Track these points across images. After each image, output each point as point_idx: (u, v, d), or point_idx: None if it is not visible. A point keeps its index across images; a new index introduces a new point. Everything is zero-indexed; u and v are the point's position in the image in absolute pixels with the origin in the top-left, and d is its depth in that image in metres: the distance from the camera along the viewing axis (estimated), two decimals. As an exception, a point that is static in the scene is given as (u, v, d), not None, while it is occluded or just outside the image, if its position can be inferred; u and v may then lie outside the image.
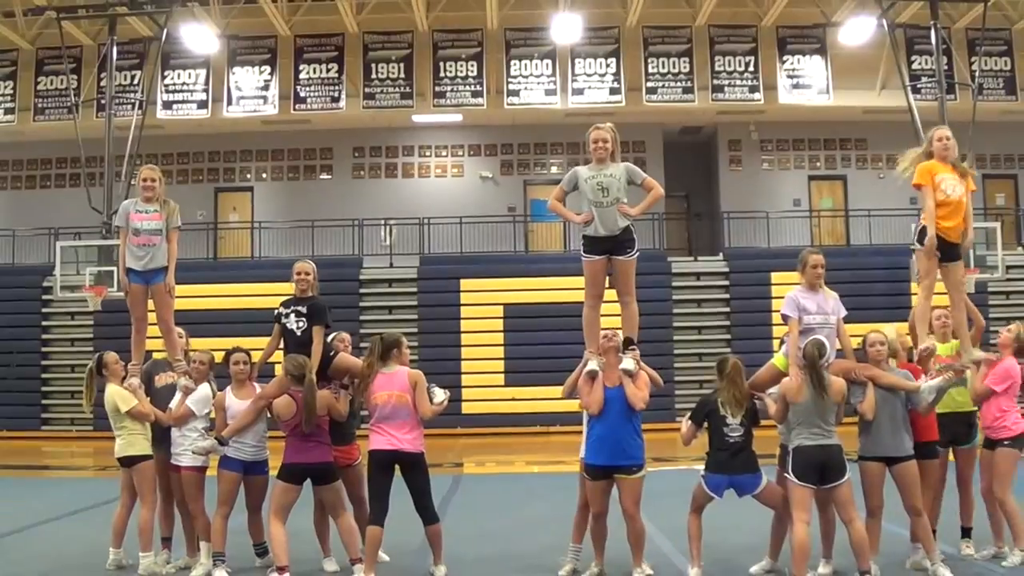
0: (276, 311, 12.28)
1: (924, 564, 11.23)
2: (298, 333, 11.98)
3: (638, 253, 11.71)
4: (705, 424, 11.26)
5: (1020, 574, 11.22)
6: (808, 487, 10.66)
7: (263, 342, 12.43)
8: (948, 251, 11.97)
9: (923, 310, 12.00)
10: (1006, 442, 11.53)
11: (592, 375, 11.35)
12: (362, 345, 14.09)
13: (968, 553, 11.88)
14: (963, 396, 11.91)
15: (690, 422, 11.37)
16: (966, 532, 12.19)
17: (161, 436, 12.18)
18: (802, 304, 11.31)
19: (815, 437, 10.65)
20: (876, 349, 11.29)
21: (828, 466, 10.64)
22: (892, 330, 11.96)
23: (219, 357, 12.46)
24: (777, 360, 11.60)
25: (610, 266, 11.65)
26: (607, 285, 11.83)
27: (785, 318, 11.39)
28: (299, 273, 12.27)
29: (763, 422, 11.32)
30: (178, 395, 12.10)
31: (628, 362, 11.34)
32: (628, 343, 11.58)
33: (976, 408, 11.91)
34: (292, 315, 12.06)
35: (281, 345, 12.21)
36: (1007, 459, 11.53)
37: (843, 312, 11.50)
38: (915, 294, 12.53)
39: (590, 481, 11.41)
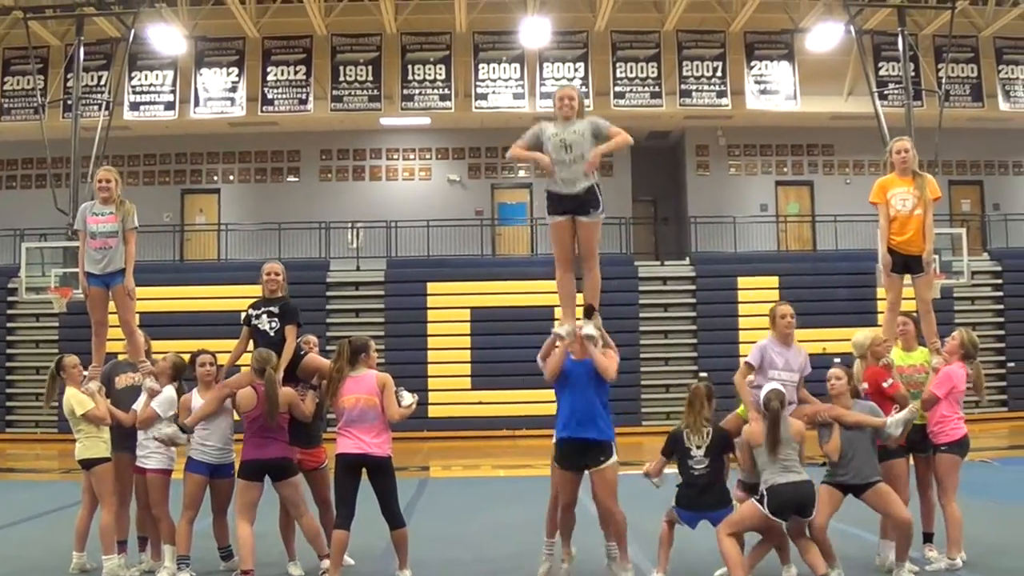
0: (245, 313, 12.21)
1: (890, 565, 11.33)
2: (271, 334, 11.92)
3: (603, 215, 11.29)
4: (675, 456, 11.24)
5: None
6: (781, 522, 10.77)
7: (230, 344, 12.38)
8: (908, 264, 12.09)
9: (887, 324, 12.15)
10: (943, 447, 11.58)
11: (557, 337, 11.22)
12: (328, 348, 14.07)
13: (932, 556, 11.92)
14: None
15: (661, 456, 11.35)
16: (928, 537, 12.24)
17: (124, 438, 12.11)
18: (770, 358, 11.31)
19: (786, 473, 10.65)
20: (832, 384, 11.29)
21: (803, 504, 10.72)
22: (864, 334, 12.02)
23: (185, 359, 12.42)
24: (740, 412, 11.63)
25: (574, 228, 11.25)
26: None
27: (748, 366, 11.40)
28: (268, 274, 12.21)
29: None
30: (143, 397, 12.04)
31: (590, 327, 11.08)
32: (590, 310, 11.30)
33: None
34: (264, 316, 12.00)
35: (251, 347, 12.14)
36: (948, 465, 11.57)
37: (808, 370, 11.53)
38: (882, 299, 12.64)
39: (561, 471, 11.27)
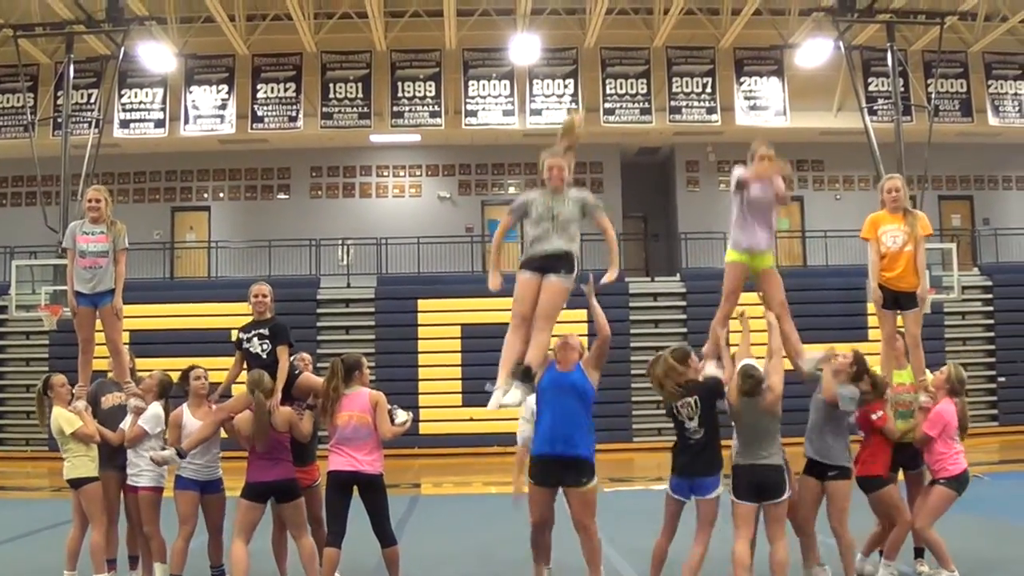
0: (236, 337, 12.17)
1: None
2: (264, 356, 11.88)
3: (572, 284, 10.87)
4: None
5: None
6: (747, 504, 10.75)
7: (219, 362, 12.38)
8: (899, 300, 12.26)
9: (885, 359, 12.30)
10: (941, 481, 11.61)
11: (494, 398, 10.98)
12: (320, 365, 14.02)
13: (923, 571, 11.95)
14: (906, 426, 11.98)
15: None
16: (919, 552, 12.26)
17: (111, 457, 12.09)
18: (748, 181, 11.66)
19: (751, 456, 10.71)
20: (837, 358, 11.49)
21: (764, 487, 10.70)
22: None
23: (175, 377, 12.38)
24: (729, 255, 12.02)
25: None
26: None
27: (739, 184, 11.74)
28: (256, 296, 12.17)
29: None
30: (129, 416, 12.01)
31: (513, 394, 10.76)
32: (527, 372, 10.83)
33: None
34: (255, 339, 11.96)
35: (245, 367, 12.11)
36: (940, 496, 11.62)
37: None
38: (872, 314, 12.66)
39: (534, 486, 10.98)
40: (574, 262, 10.83)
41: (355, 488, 11.21)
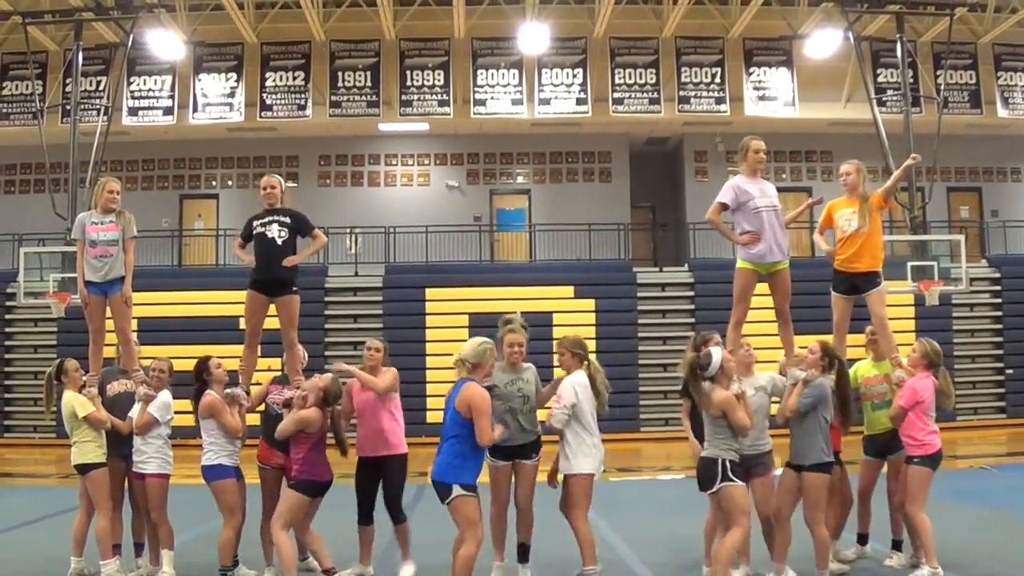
0: (248, 224, 12.61)
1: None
2: (278, 242, 12.12)
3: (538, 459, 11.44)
4: None
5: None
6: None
7: (226, 350, 12.36)
8: (856, 284, 12.34)
9: (836, 343, 12.18)
10: (916, 460, 11.56)
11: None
12: (327, 354, 14.04)
13: (892, 564, 12.05)
14: (884, 415, 12.02)
15: None
16: (896, 544, 12.31)
17: (117, 445, 12.09)
18: (744, 190, 11.71)
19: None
20: (806, 354, 11.43)
21: (698, 478, 10.83)
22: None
23: (180, 365, 12.38)
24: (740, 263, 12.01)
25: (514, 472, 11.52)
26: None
27: (721, 204, 11.85)
28: (265, 188, 12.31)
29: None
30: (138, 404, 11.98)
31: None
32: (525, 551, 11.66)
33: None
34: (274, 224, 12.06)
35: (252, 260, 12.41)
36: (917, 475, 11.54)
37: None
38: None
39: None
40: (539, 442, 11.48)
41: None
